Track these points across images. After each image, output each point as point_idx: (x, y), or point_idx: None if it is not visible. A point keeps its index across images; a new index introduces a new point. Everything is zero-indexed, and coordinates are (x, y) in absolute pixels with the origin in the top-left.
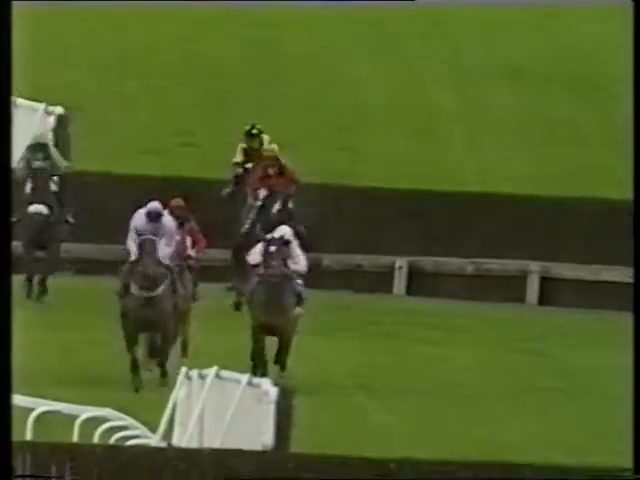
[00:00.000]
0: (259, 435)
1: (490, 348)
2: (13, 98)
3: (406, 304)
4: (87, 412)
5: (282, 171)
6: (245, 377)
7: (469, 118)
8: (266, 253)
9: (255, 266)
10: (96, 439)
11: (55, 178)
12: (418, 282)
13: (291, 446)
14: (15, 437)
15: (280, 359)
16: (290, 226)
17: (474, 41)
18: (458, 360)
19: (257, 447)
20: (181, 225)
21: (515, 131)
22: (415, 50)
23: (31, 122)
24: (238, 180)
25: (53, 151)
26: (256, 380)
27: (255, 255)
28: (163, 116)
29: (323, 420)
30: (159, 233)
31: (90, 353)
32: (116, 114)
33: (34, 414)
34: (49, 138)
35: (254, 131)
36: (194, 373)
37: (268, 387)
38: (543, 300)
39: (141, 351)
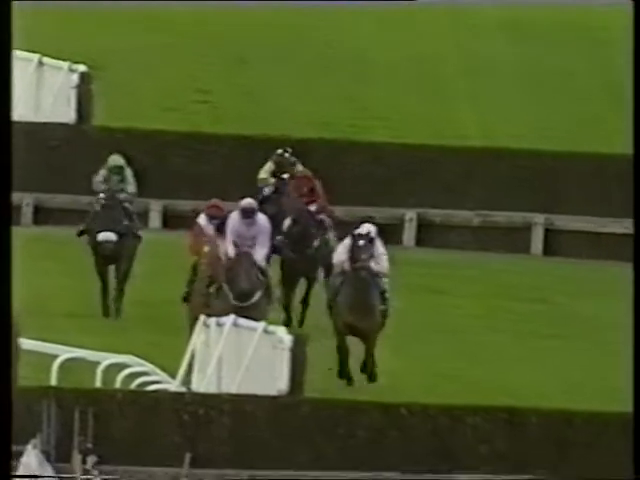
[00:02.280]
0: (274, 381)
1: (496, 297)
2: (39, 56)
3: (415, 255)
4: (109, 359)
5: (313, 191)
6: (261, 325)
7: (472, 71)
8: (354, 247)
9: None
10: (118, 384)
11: (127, 196)
12: (427, 234)
13: (305, 391)
14: (40, 383)
15: (367, 367)
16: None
17: None
18: (465, 309)
19: (272, 392)
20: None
21: (516, 84)
22: (417, 5)
23: (55, 80)
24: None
25: (128, 172)
26: (271, 328)
27: (340, 254)
28: (180, 74)
29: (335, 366)
30: (254, 232)
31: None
32: (135, 73)
33: (58, 360)
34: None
35: (286, 155)
36: (212, 321)
37: (283, 334)
38: (547, 251)
39: None
